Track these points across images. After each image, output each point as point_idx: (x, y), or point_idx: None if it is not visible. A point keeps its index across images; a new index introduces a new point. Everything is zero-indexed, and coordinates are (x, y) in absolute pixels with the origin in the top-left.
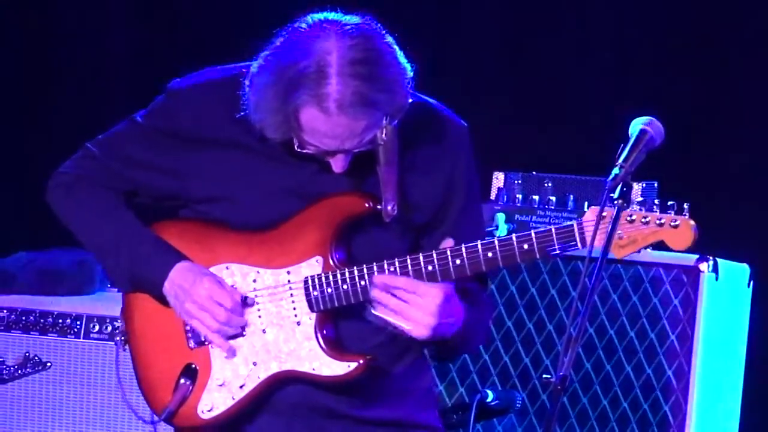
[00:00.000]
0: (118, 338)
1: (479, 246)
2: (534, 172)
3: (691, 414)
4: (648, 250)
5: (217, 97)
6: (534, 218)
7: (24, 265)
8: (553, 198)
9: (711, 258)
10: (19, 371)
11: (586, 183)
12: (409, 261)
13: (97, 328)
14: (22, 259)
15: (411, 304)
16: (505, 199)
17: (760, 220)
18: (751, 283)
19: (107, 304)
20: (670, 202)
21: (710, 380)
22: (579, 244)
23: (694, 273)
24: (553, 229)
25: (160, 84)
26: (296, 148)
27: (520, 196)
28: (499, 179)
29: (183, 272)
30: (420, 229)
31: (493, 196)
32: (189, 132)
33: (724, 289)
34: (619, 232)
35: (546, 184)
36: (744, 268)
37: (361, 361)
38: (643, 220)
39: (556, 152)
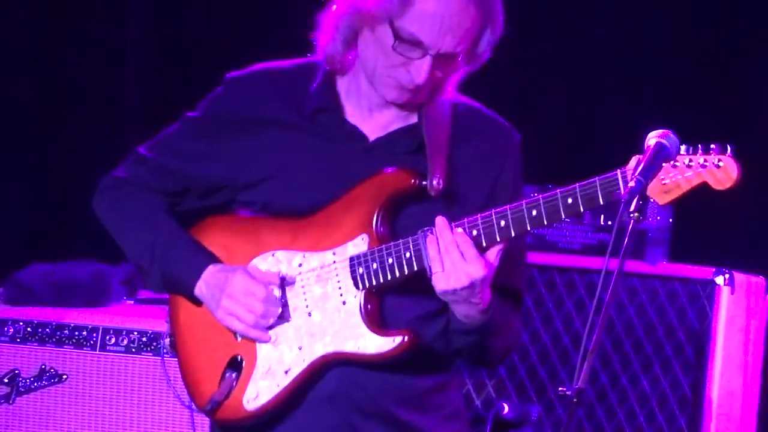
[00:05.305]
0: (165, 340)
1: (524, 205)
2: (550, 185)
3: (707, 428)
4: (664, 263)
5: (269, 81)
6: (550, 231)
7: (40, 277)
8: None
9: (727, 271)
10: (35, 383)
11: None
12: (453, 226)
13: (113, 340)
14: (38, 271)
15: (453, 260)
16: None
17: None
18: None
19: (123, 316)
20: (712, 145)
21: (726, 394)
22: (622, 190)
23: (710, 286)
24: (597, 181)
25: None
26: (391, 46)
27: None
28: None
29: (215, 274)
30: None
31: None
32: (241, 115)
33: (740, 303)
34: (662, 177)
35: None
36: (760, 281)
37: (407, 337)
38: (687, 163)
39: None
